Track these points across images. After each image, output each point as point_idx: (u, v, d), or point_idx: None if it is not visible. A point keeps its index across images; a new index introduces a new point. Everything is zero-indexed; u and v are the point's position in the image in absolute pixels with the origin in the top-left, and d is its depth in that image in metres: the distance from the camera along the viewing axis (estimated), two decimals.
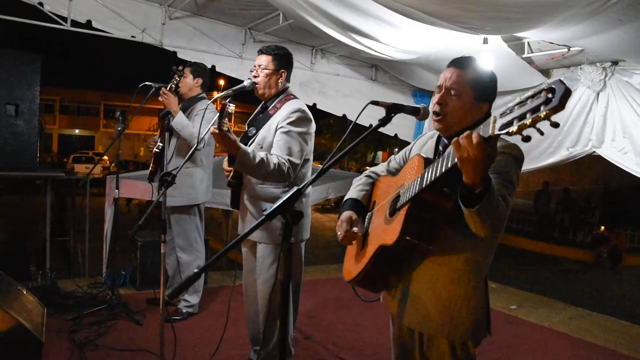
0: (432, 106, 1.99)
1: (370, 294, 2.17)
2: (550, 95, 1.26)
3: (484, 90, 1.97)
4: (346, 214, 2.14)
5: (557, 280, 9.25)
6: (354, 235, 2.07)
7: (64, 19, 5.10)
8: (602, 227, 14.14)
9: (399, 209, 1.89)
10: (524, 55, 5.12)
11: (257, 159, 2.81)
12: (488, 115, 2.00)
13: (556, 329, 4.87)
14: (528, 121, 1.30)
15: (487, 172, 1.56)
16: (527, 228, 16.25)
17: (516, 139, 1.42)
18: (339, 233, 2.11)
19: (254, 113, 3.24)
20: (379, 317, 4.64)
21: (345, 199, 2.27)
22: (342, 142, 2.06)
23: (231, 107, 2.73)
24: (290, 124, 2.98)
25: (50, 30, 5.21)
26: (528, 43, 5.09)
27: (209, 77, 4.61)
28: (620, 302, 7.36)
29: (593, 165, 18.17)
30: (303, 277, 3.38)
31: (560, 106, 1.24)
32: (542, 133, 1.32)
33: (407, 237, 1.81)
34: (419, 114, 1.93)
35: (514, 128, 1.34)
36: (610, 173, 17.51)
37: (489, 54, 4.65)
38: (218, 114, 2.73)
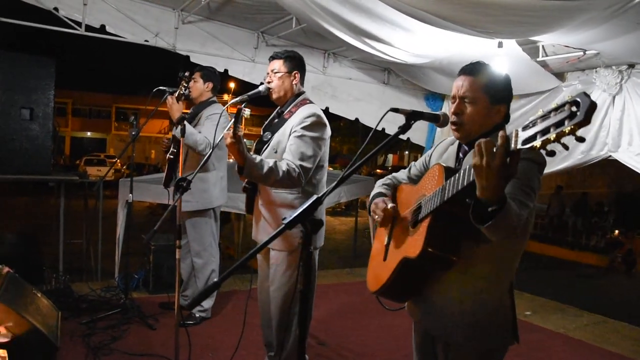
0: (450, 117, 1.97)
1: (394, 303, 2.15)
2: (574, 109, 1.22)
3: (499, 92, 1.95)
4: (378, 198, 2.14)
5: (571, 285, 9.16)
6: (391, 211, 2.05)
7: (79, 24, 5.13)
8: (616, 231, 13.98)
9: (421, 221, 1.86)
10: (538, 59, 5.08)
11: (265, 169, 2.77)
12: (507, 117, 1.99)
13: (572, 336, 4.81)
14: (552, 136, 1.26)
15: (503, 189, 1.51)
16: (540, 232, 16.11)
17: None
18: (376, 217, 2.09)
19: (270, 118, 3.23)
20: (393, 323, 4.62)
21: (372, 195, 2.24)
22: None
23: (247, 112, 2.73)
24: (304, 128, 2.94)
25: (61, 34, 5.24)
26: (543, 46, 5.05)
27: (219, 80, 4.61)
28: (636, 308, 7.26)
29: (606, 168, 17.99)
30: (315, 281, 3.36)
31: (586, 121, 1.20)
32: (567, 148, 1.27)
33: (431, 250, 1.78)
34: (439, 121, 1.91)
35: (537, 143, 1.30)
36: (624, 176, 17.32)
37: (504, 57, 4.61)
38: (233, 119, 2.71)
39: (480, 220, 1.57)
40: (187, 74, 4.11)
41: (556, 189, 17.17)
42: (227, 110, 3.69)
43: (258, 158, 2.81)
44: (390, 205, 2.06)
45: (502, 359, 1.97)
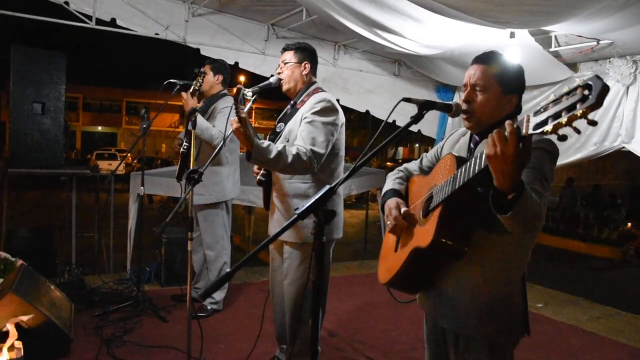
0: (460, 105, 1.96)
1: (406, 295, 2.14)
2: (586, 92, 1.21)
3: (511, 82, 1.93)
4: (392, 200, 2.08)
5: (583, 277, 9.11)
6: (406, 219, 2.01)
7: (89, 18, 5.15)
8: (629, 224, 13.85)
9: (432, 210, 1.85)
10: (551, 49, 5.03)
11: (274, 153, 2.73)
12: (519, 108, 1.97)
13: (585, 328, 4.78)
14: (564, 120, 1.25)
15: (520, 176, 1.50)
16: (551, 225, 16.02)
17: (551, 138, 1.37)
18: (388, 222, 2.05)
19: (284, 111, 3.21)
20: (404, 315, 4.61)
21: (384, 190, 2.21)
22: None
23: (248, 93, 2.68)
24: (314, 113, 2.90)
25: (72, 29, 5.26)
26: (555, 37, 4.99)
27: (229, 73, 4.61)
28: None
29: (619, 160, 17.81)
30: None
31: (598, 104, 1.19)
32: (579, 132, 1.27)
33: (442, 239, 1.76)
34: (451, 111, 1.89)
35: (548, 127, 1.29)
36: (638, 168, 17.14)
37: (516, 48, 4.57)
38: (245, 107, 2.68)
39: (500, 210, 1.56)
40: (202, 70, 4.12)
41: (567, 181, 17.02)
42: None
43: (266, 143, 2.77)
44: (403, 209, 2.02)
45: (513, 350, 1.96)
